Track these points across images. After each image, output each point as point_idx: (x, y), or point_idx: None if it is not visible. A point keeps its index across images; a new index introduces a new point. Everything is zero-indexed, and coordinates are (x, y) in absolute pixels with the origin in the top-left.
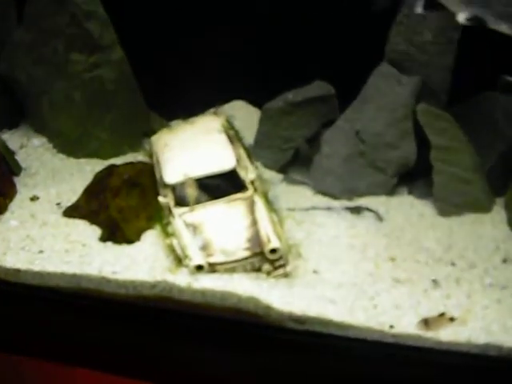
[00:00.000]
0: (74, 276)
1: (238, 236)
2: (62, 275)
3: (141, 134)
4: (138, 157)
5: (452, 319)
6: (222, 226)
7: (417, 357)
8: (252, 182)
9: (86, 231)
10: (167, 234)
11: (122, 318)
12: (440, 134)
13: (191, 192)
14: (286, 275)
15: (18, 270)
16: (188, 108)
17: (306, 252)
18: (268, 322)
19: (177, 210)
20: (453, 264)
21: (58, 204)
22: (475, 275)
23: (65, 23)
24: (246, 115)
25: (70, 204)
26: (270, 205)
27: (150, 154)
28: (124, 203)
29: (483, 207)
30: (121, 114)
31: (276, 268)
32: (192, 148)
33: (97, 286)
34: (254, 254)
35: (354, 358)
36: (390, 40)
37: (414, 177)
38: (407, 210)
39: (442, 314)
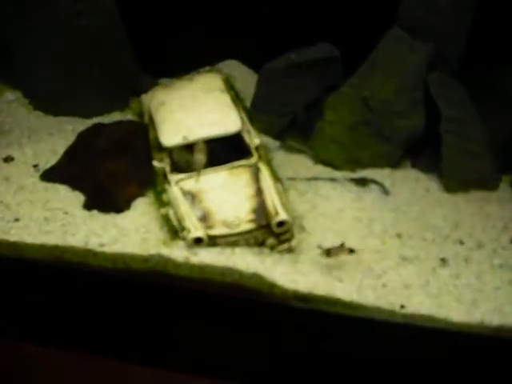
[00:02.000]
0: (55, 248)
1: (241, 207)
2: (42, 247)
3: (128, 91)
4: (126, 116)
5: (351, 251)
6: (224, 196)
7: (427, 338)
8: (257, 148)
9: (68, 197)
10: (162, 203)
11: (109, 294)
12: (451, 105)
13: (201, 158)
14: (290, 250)
15: None
16: (176, 65)
17: (310, 225)
18: (270, 300)
19: (173, 177)
20: (461, 242)
21: (36, 166)
22: (484, 255)
23: None
24: (240, 76)
25: (48, 166)
26: (275, 173)
27: (141, 113)
28: (113, 167)
29: (490, 185)
30: (107, 68)
31: (281, 242)
32: (192, 108)
33: (81, 259)
34: (259, 227)
35: (361, 339)
36: (404, 3)
37: (416, 149)
38: (412, 185)
39: (341, 245)
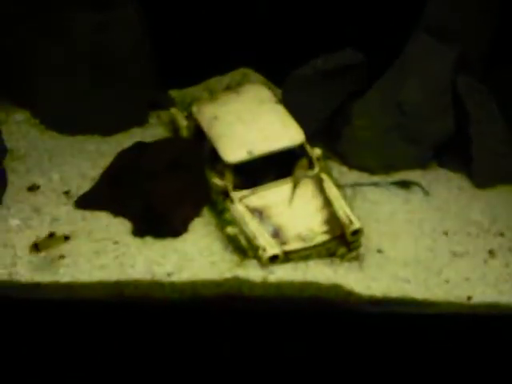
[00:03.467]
0: (116, 284)
1: (313, 219)
2: (101, 285)
3: (146, 105)
4: (145, 132)
5: (67, 237)
6: (293, 209)
7: (495, 326)
8: (318, 159)
9: (113, 225)
10: (224, 223)
11: (180, 327)
12: (479, 107)
13: (302, 174)
14: (356, 257)
15: (36, 285)
16: (184, 76)
17: (366, 230)
18: (344, 309)
19: (236, 194)
20: (501, 234)
21: (67, 193)
22: None
23: None
24: None
25: (82, 192)
26: (337, 182)
27: (175, 128)
28: (167, 188)
29: None
30: (130, 82)
31: (350, 250)
32: (250, 121)
33: (145, 293)
34: (333, 238)
35: (434, 335)
36: (428, 7)
37: (442, 149)
38: (445, 184)
39: (51, 235)
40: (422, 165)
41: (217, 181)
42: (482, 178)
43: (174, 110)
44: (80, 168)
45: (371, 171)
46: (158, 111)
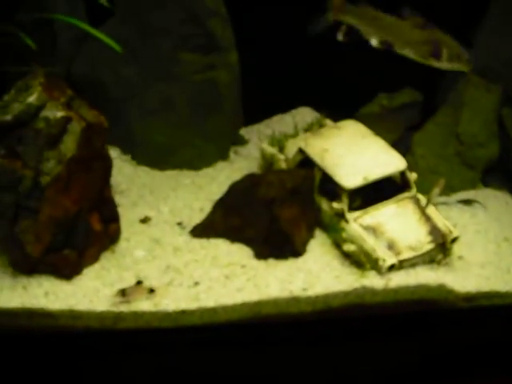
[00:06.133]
0: (257, 304)
1: (418, 231)
2: (244, 306)
3: (230, 141)
4: (233, 165)
5: (152, 290)
6: (400, 225)
7: None
8: (414, 181)
9: (233, 251)
10: (341, 241)
11: (309, 338)
12: None
13: (437, 192)
14: (448, 262)
15: (181, 312)
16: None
17: None
18: (442, 307)
19: (351, 215)
20: None
21: (180, 224)
22: None
23: (178, 20)
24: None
25: (195, 223)
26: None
27: (268, 162)
28: (289, 213)
29: None
30: (224, 120)
31: (445, 256)
32: (358, 151)
33: (281, 309)
34: (437, 246)
35: None
36: (475, 53)
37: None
38: (494, 200)
39: (139, 283)
40: (474, 185)
41: (335, 204)
42: None
43: (266, 146)
44: (185, 200)
45: None
46: (235, 146)
